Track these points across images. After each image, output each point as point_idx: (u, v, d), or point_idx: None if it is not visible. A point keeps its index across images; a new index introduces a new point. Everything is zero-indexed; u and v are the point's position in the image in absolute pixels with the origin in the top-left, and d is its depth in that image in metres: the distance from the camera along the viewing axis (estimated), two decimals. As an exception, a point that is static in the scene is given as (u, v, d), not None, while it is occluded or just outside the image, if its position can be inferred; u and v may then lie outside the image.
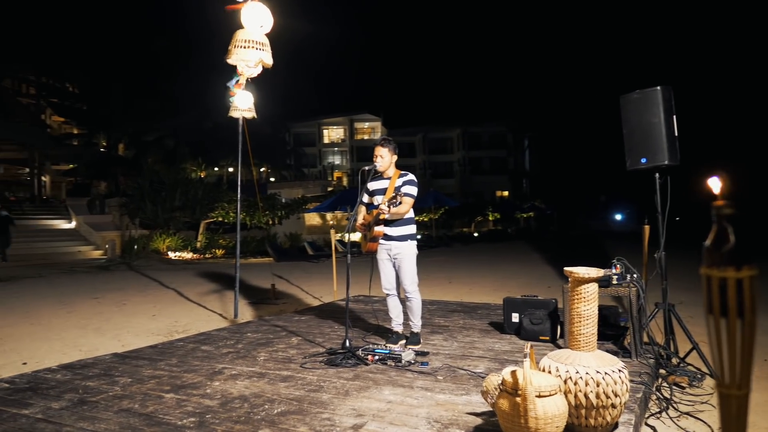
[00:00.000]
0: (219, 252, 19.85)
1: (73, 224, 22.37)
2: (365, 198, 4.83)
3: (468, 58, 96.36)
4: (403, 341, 4.75)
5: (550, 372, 2.75)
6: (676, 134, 4.55)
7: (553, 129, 55.82)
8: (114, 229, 21.52)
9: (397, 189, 4.50)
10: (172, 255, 19.45)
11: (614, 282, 4.26)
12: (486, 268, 14.05)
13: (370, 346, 4.40)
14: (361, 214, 4.81)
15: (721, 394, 0.76)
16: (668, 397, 3.64)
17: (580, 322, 2.83)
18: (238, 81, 5.51)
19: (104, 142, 35.86)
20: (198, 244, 20.60)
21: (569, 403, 2.65)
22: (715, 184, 0.77)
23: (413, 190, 4.58)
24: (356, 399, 3.31)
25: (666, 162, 4.48)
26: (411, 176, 4.64)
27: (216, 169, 39.82)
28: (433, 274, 12.54)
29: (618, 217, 56.21)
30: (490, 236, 31.87)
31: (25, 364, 5.09)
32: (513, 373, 2.60)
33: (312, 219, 29.25)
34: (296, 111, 55.97)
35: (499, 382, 2.71)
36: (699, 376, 4.07)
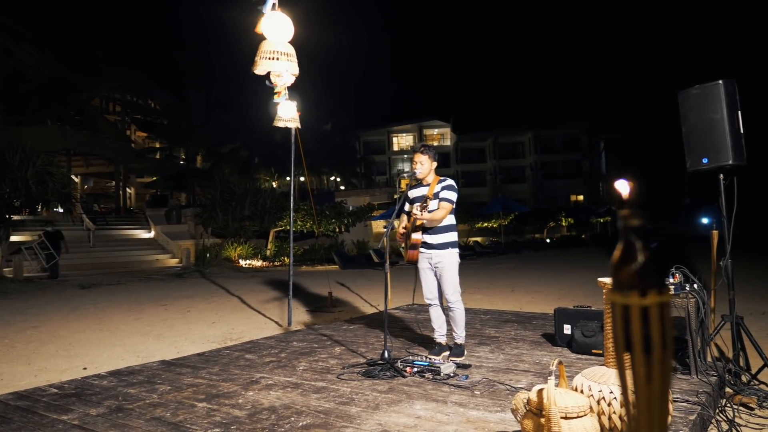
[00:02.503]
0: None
1: (152, 234, 23.57)
2: (406, 206, 4.74)
3: (538, 59, 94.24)
4: (447, 353, 4.60)
5: (582, 391, 2.55)
6: (742, 131, 4.16)
7: (630, 129, 53.34)
8: (189, 238, 22.49)
9: (436, 195, 4.38)
10: (243, 263, 20.06)
11: (671, 293, 3.93)
12: (553, 276, 13.54)
13: (410, 357, 4.28)
14: (402, 222, 4.71)
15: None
16: (732, 419, 3.31)
17: (616, 337, 2.61)
18: (276, 91, 5.57)
19: (183, 155, 37.69)
20: (268, 252, 21.15)
21: (602, 426, 2.44)
22: (622, 187, 0.63)
23: (452, 196, 4.44)
24: (384, 413, 3.21)
25: (730, 162, 4.11)
26: (450, 181, 4.50)
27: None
28: (497, 282, 12.22)
29: (705, 220, 52.97)
30: (563, 242, 30.85)
31: (85, 369, 5.33)
32: (539, 392, 2.42)
33: (379, 226, 29.38)
34: (366, 120, 56.74)
35: (526, 400, 2.53)
36: (771, 397, 3.68)
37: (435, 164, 4.57)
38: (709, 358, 3.93)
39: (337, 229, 22.60)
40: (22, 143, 15.49)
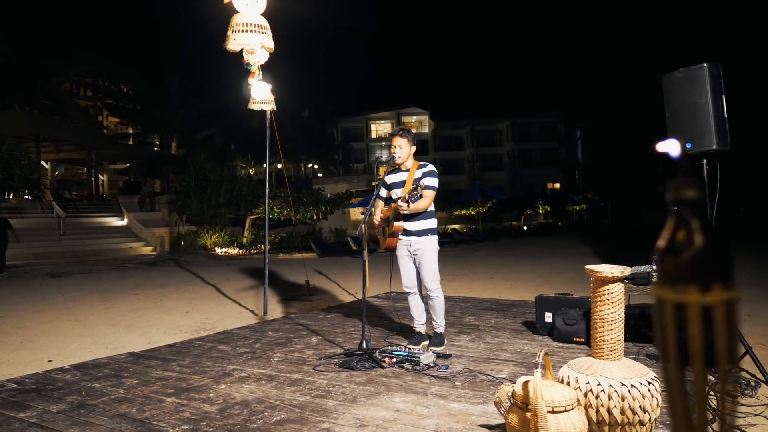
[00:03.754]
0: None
1: (124, 221, 23.05)
2: (383, 192, 4.58)
3: (515, 47, 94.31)
4: (426, 342, 4.49)
5: (568, 383, 2.45)
6: (726, 116, 4.09)
7: (607, 117, 53.75)
8: (163, 225, 22.04)
9: (417, 181, 4.23)
10: (218, 251, 19.73)
11: (654, 279, 3.86)
12: (532, 263, 13.54)
13: (389, 347, 4.16)
14: (379, 208, 4.56)
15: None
16: (716, 408, 3.25)
17: (603, 327, 2.50)
18: (250, 71, 5.35)
19: (157, 142, 36.93)
20: (244, 240, 20.84)
21: (590, 420, 2.34)
22: (671, 147, 0.49)
23: (434, 182, 4.30)
24: (363, 407, 3.08)
25: (714, 147, 4.03)
26: (431, 167, 4.36)
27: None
28: (475, 270, 12.17)
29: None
30: (540, 230, 31.03)
31: (50, 361, 5.10)
32: (524, 384, 2.31)
33: (357, 214, 29.20)
34: (344, 107, 56.31)
35: (510, 393, 2.42)
36: (753, 384, 3.64)
37: (414, 148, 4.42)
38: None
39: (315, 217, 22.34)
40: (-14, 129, 14.93)
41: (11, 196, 20.22)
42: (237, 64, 5.59)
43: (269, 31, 4.90)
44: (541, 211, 36.95)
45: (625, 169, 51.87)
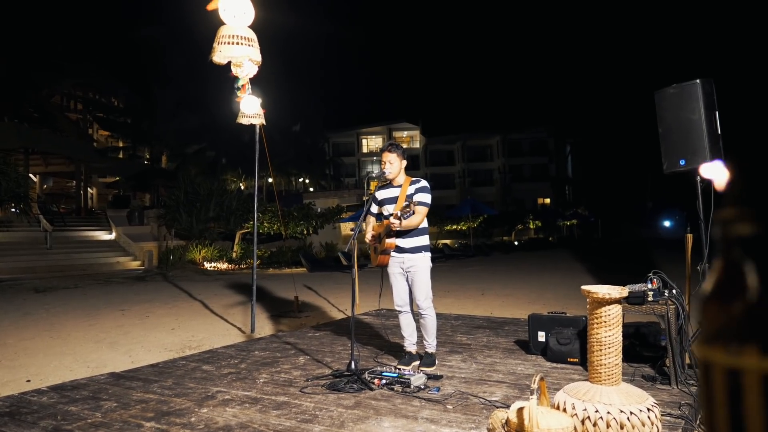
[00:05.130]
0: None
1: (113, 235, 22.77)
2: (374, 208, 4.49)
3: (506, 63, 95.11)
4: (417, 362, 4.37)
5: (565, 410, 2.35)
6: (720, 132, 4.05)
7: (596, 133, 54.22)
8: (152, 239, 21.79)
9: (409, 197, 4.14)
10: (207, 265, 19.51)
11: (650, 299, 3.78)
12: (523, 279, 13.47)
13: (378, 368, 4.04)
14: (370, 225, 4.46)
15: None
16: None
17: (600, 350, 2.41)
18: (241, 85, 5.26)
19: (147, 155, 36.72)
20: (234, 255, 20.62)
21: (587, 449, 2.24)
22: (717, 173, 0.39)
23: (427, 198, 4.21)
24: (350, 432, 2.96)
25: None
26: (423, 183, 4.28)
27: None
28: (467, 286, 12.07)
29: (667, 223, 54.16)
30: (531, 245, 31.04)
31: (29, 381, 4.93)
32: (519, 411, 2.21)
33: (348, 229, 29.05)
34: (336, 121, 56.34)
35: (504, 420, 2.32)
36: None
37: (405, 163, 4.34)
38: (687, 364, 3.80)
39: (305, 231, 22.19)
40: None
41: (-1, 210, 19.98)
42: (228, 78, 5.52)
43: (257, 44, 4.82)
44: (531, 226, 37.00)
45: (615, 185, 52.19)
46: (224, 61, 4.87)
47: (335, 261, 19.47)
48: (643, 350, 4.34)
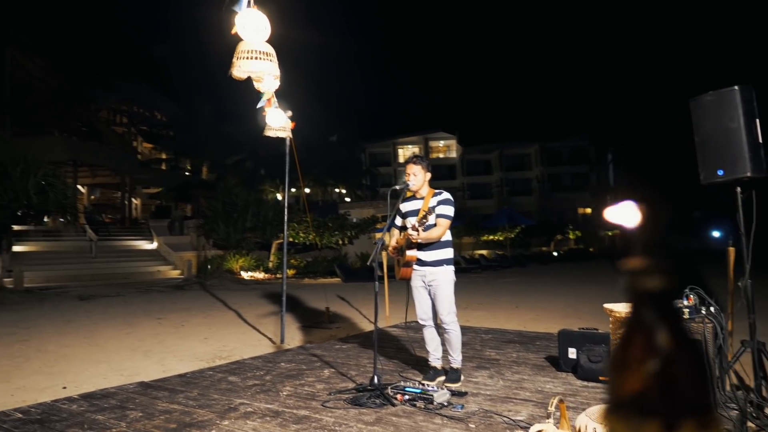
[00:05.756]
0: (290, 272, 20.00)
1: (154, 245, 23.37)
2: (398, 221, 4.45)
3: (545, 70, 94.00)
4: (442, 378, 4.29)
5: (585, 433, 2.25)
6: (761, 141, 3.86)
7: (639, 141, 52.84)
8: (191, 249, 22.26)
9: (431, 209, 4.09)
10: (244, 275, 19.79)
11: (686, 317, 3.62)
12: (559, 291, 13.18)
13: (401, 383, 3.98)
14: (394, 237, 4.43)
15: None
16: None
17: (624, 371, 2.31)
18: (266, 99, 5.32)
19: (189, 166, 37.63)
20: (270, 264, 20.88)
21: (608, 476, 2.14)
22: (624, 214, 0.35)
23: (449, 211, 4.15)
24: (368, 449, 2.91)
25: (748, 174, 3.81)
26: (447, 195, 4.22)
27: (293, 190, 40.74)
28: (501, 298, 11.87)
29: (716, 234, 52.25)
30: (571, 256, 30.41)
31: (65, 388, 5.05)
32: (536, 434, 2.12)
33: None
34: (372, 132, 56.66)
35: (521, 443, 2.23)
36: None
37: (429, 175, 4.29)
38: (728, 389, 3.61)
39: (341, 242, 22.30)
40: (24, 154, 15.39)
41: (47, 220, 20.74)
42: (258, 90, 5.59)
43: (275, 58, 4.87)
44: (571, 236, 36.27)
45: (659, 194, 50.72)
46: (244, 76, 4.94)
47: (370, 271, 19.45)
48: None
